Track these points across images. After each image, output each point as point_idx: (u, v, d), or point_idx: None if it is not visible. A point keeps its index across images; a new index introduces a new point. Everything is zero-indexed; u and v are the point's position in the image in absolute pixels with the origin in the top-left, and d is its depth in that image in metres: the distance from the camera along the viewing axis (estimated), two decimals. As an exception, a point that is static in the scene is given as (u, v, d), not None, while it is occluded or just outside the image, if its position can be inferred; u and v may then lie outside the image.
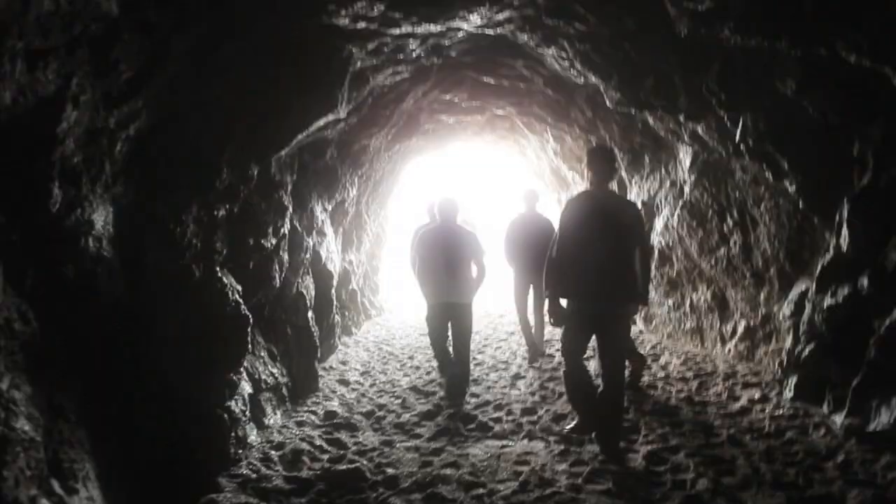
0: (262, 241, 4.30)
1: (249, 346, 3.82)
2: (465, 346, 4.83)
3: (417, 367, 5.88)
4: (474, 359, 5.97)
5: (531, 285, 6.12)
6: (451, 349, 5.06)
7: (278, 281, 4.58)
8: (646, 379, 5.09)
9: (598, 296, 3.50)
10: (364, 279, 9.02)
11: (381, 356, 6.51)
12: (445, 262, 4.71)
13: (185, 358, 3.10)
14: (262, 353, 4.23)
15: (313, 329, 5.22)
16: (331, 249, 6.32)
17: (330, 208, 6.30)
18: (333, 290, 6.34)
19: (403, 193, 11.77)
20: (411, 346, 7.04)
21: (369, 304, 9.12)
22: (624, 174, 7.39)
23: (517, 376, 5.42)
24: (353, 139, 6.06)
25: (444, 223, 4.87)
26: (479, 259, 4.88)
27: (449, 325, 4.90)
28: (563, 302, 3.69)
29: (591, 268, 3.46)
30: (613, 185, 7.05)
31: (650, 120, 5.57)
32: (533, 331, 6.19)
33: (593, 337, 3.65)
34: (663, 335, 7.02)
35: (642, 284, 3.72)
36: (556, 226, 3.86)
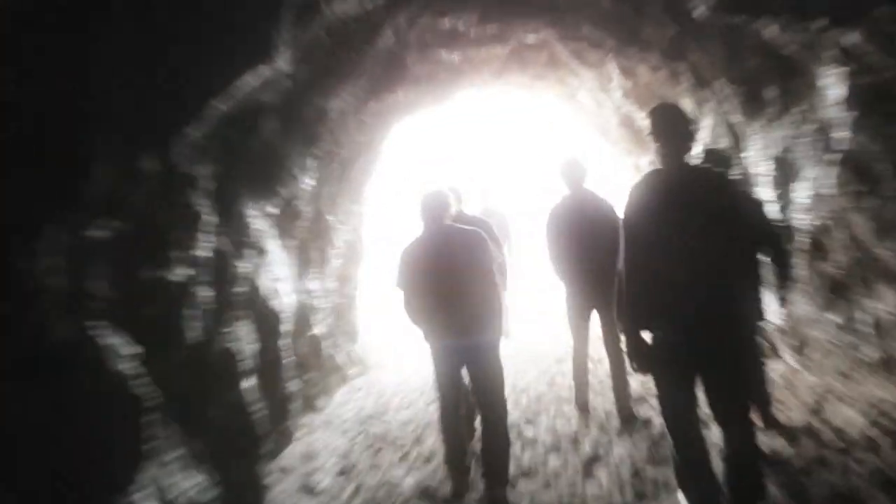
0: (166, 274, 4.31)
1: (149, 447, 3.79)
2: (495, 406, 4.83)
3: (429, 458, 5.84)
4: (520, 435, 5.96)
5: (592, 307, 6.22)
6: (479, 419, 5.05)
7: (195, 333, 4.60)
8: (808, 449, 4.90)
9: (694, 320, 3.60)
10: (335, 318, 9.03)
11: (368, 442, 6.49)
12: (442, 285, 4.80)
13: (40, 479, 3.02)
14: (175, 456, 4.18)
15: (255, 408, 5.21)
16: (278, 276, 6.34)
17: (275, 211, 6.33)
18: (287, 341, 6.37)
19: (388, 174, 11.81)
20: (417, 421, 7.01)
21: (346, 357, 9.15)
22: (734, 120, 7.37)
23: (594, 459, 5.36)
24: (305, 101, 6.13)
25: (431, 229, 4.99)
26: (489, 269, 4.92)
27: (463, 374, 4.99)
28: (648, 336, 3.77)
29: (679, 281, 3.58)
30: (722, 143, 6.94)
31: (771, 33, 5.52)
32: (612, 383, 6.14)
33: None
34: (827, 371, 6.85)
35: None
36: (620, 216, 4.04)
